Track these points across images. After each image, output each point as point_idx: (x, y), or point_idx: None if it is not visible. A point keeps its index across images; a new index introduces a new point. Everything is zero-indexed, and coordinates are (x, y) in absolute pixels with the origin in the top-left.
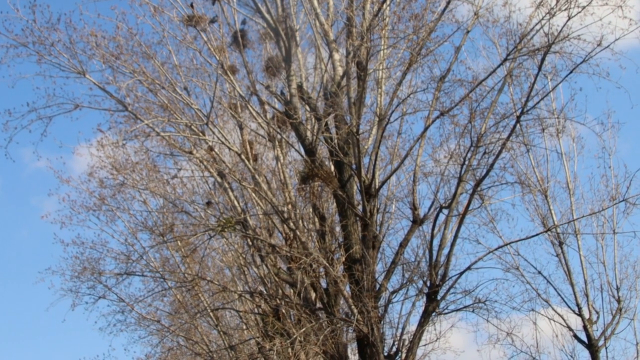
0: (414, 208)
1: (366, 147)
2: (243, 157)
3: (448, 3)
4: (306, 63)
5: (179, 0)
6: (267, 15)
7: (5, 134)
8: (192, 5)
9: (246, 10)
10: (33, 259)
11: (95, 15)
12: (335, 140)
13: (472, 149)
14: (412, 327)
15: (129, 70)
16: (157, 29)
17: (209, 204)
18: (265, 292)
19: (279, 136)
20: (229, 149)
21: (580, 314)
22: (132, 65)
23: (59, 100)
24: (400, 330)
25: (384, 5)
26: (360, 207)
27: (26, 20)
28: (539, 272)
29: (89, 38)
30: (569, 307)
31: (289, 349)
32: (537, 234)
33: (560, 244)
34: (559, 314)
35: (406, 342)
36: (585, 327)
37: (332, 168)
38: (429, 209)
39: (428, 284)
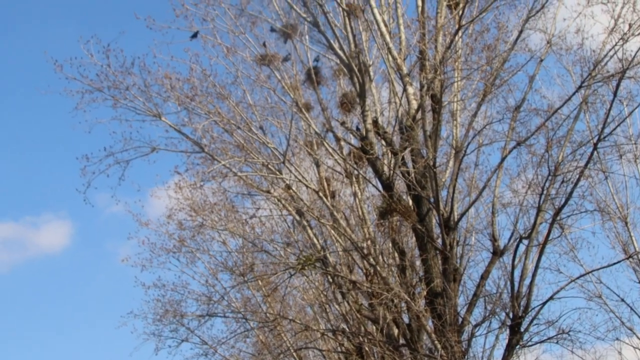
0: (493, 239)
1: (443, 179)
2: (321, 194)
3: (520, 32)
4: (380, 98)
5: (252, 40)
6: (339, 52)
7: (83, 179)
8: (264, 45)
9: (319, 47)
10: (113, 303)
11: (168, 58)
12: (413, 174)
13: (550, 178)
14: None
15: (204, 112)
16: (231, 69)
17: (288, 242)
18: (347, 329)
19: (356, 172)
20: (307, 186)
21: None
22: (207, 106)
23: (135, 144)
24: None
25: (456, 37)
26: (439, 241)
27: (100, 65)
28: (622, 300)
29: (164, 81)
30: None
31: None
32: (618, 262)
33: None
34: None
35: None
36: None
37: (410, 202)
38: (509, 239)
39: (511, 315)
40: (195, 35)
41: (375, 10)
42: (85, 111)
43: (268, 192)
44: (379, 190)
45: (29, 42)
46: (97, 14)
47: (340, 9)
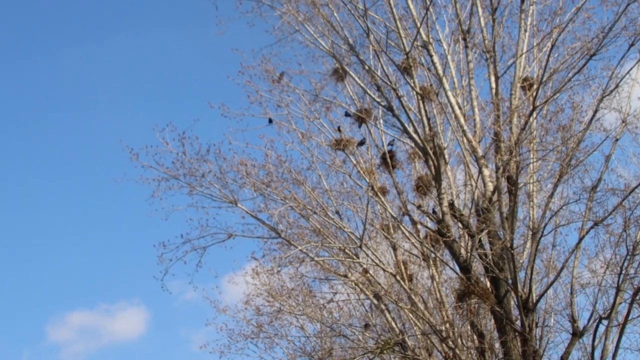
0: (573, 320)
1: (521, 261)
2: (398, 277)
3: (595, 112)
4: (456, 180)
5: (326, 125)
6: (414, 135)
7: (160, 266)
8: (339, 129)
9: (393, 131)
10: None
11: (243, 145)
12: (490, 256)
13: (628, 257)
14: None
15: (280, 197)
16: (306, 154)
17: (366, 326)
18: None
19: (433, 255)
20: (384, 270)
21: None
22: (283, 192)
23: (212, 230)
24: None
25: (531, 118)
26: (518, 322)
27: (176, 153)
28: None
29: (239, 167)
30: None
31: None
32: None
33: None
34: None
35: None
36: None
37: (488, 284)
38: (588, 320)
39: None
40: (270, 122)
41: (449, 93)
42: (161, 199)
43: (345, 276)
44: (457, 273)
45: (105, 130)
46: (171, 102)
47: (414, 92)
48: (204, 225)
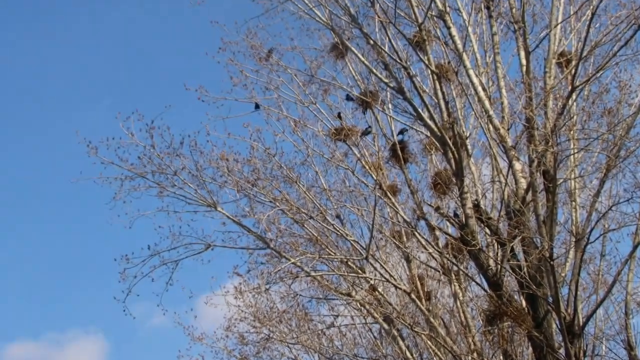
0: (629, 347)
1: (563, 274)
2: (413, 296)
3: None
4: (481, 176)
5: (324, 111)
6: (430, 122)
7: (123, 285)
8: (339, 116)
9: (405, 117)
10: None
11: (225, 136)
12: (525, 269)
13: None
14: None
15: (269, 199)
16: (300, 146)
17: (375, 357)
18: None
19: (455, 268)
20: (396, 287)
21: None
22: (272, 192)
23: (186, 240)
24: None
25: (570, 101)
26: (562, 351)
27: (143, 147)
28: None
29: (219, 163)
30: None
31: None
32: None
33: None
34: None
35: None
36: None
37: (524, 303)
38: None
39: None
40: (256, 107)
41: (471, 72)
42: (125, 202)
43: (349, 295)
44: (485, 290)
45: (57, 121)
46: (137, 86)
47: (429, 71)
48: (177, 234)
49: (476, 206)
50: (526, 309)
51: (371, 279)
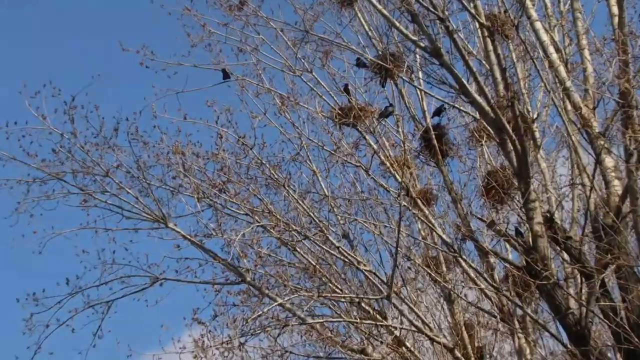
0: None
1: None
2: (458, 353)
3: None
4: (555, 176)
5: (324, 84)
6: (479, 99)
7: (29, 338)
8: (346, 89)
9: (443, 92)
10: None
11: (179, 118)
12: (624, 314)
13: None
14: None
15: (244, 211)
16: (289, 134)
17: None
18: None
19: (519, 312)
20: (432, 340)
21: None
22: (248, 201)
23: (123, 272)
24: None
25: None
26: None
27: (60, 135)
28: None
29: (170, 158)
30: None
31: None
32: None
33: None
34: None
35: None
36: None
37: None
38: None
39: None
40: (226, 77)
41: (539, 25)
42: (32, 215)
43: (363, 352)
44: (564, 345)
45: None
46: (53, 46)
47: (477, 24)
48: (108, 264)
49: (549, 220)
50: None
51: (396, 327)
